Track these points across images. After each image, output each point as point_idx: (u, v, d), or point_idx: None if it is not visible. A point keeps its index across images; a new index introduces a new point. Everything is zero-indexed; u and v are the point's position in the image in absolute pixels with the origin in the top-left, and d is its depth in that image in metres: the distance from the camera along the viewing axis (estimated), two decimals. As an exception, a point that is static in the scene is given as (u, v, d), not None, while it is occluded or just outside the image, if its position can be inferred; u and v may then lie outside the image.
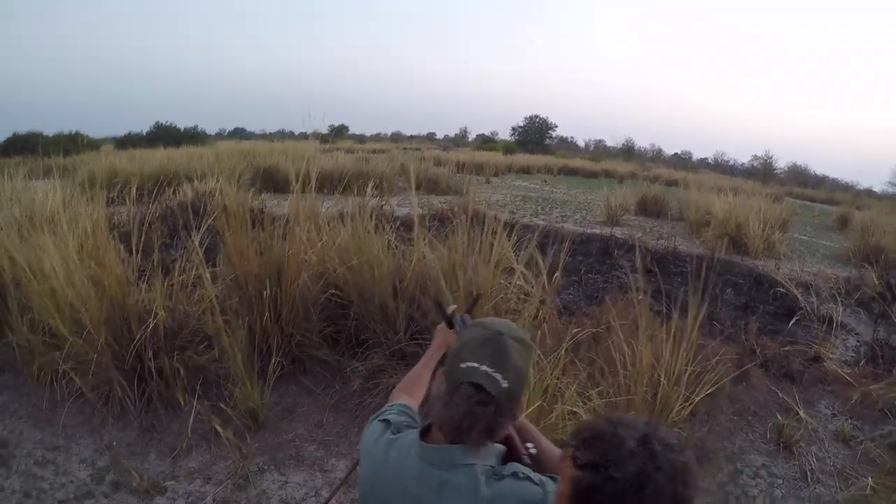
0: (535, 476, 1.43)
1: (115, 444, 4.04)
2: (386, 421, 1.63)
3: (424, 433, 1.52)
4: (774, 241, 12.22)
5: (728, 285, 8.96)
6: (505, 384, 1.40)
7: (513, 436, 1.64)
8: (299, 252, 4.99)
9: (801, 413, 4.92)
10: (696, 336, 4.00)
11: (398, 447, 1.53)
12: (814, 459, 4.42)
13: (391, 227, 5.66)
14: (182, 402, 4.31)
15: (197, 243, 4.82)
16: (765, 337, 6.52)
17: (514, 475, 1.41)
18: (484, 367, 1.41)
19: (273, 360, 4.51)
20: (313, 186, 5.55)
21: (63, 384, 4.36)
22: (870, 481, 3.91)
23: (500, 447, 1.50)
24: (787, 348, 6.14)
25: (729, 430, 4.70)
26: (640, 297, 4.34)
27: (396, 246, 5.43)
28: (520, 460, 1.55)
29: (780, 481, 4.19)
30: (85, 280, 4.33)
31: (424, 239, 5.13)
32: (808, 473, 4.25)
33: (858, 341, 7.05)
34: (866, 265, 10.66)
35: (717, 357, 4.67)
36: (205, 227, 5.12)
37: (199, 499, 3.59)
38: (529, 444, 1.68)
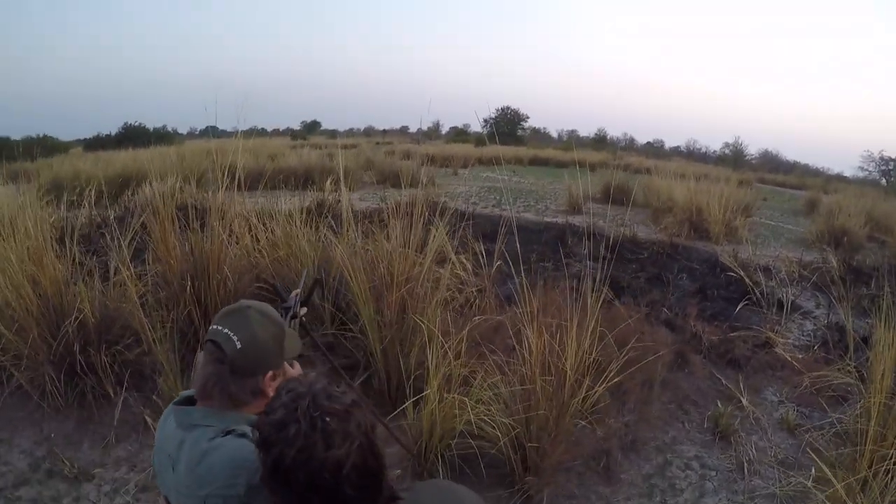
0: None
1: (53, 435, 4.18)
2: (179, 396, 1.71)
3: (187, 402, 1.65)
4: (736, 226, 12.11)
5: (683, 270, 8.88)
6: (239, 345, 1.55)
7: None
8: (221, 247, 4.99)
9: (744, 401, 4.80)
10: (598, 323, 3.83)
11: (170, 416, 1.65)
12: (753, 450, 4.28)
13: (325, 221, 5.67)
14: (112, 395, 4.39)
15: (126, 242, 4.93)
16: (714, 322, 6.41)
17: (241, 435, 1.51)
18: (226, 330, 1.56)
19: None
20: (241, 182, 5.59)
21: (5, 378, 4.47)
22: (812, 472, 3.76)
23: (252, 417, 1.56)
24: (734, 334, 6.00)
25: (663, 420, 4.58)
26: (570, 284, 4.21)
27: (328, 238, 5.39)
28: None
29: (714, 473, 4.08)
30: (23, 279, 4.47)
31: (356, 231, 5.20)
32: (746, 465, 4.12)
33: (815, 325, 6.90)
34: (829, 248, 10.62)
35: (635, 343, 4.45)
36: (137, 226, 5.29)
37: (122, 485, 3.77)
38: None
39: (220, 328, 1.57)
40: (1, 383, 4.47)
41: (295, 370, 1.81)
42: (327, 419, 1.20)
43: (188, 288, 4.80)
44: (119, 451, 4.06)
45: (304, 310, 2.24)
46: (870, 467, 3.41)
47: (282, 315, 2.06)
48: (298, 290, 2.29)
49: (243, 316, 1.61)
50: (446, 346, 3.78)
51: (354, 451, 1.20)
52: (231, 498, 1.45)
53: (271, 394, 1.59)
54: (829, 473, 3.28)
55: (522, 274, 3.95)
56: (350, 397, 1.27)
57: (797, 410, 4.87)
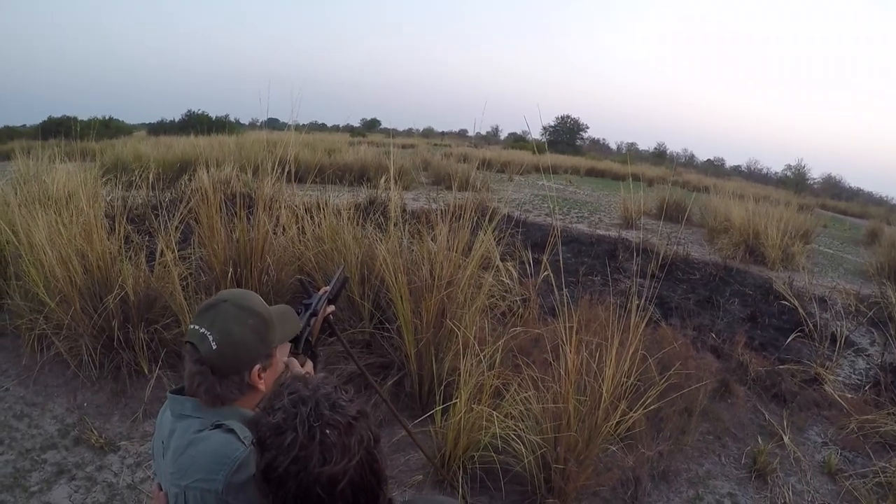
0: (249, 437, 1.42)
1: (85, 404, 4.36)
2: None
3: (183, 391, 1.59)
4: (794, 252, 11.73)
5: (735, 295, 8.62)
6: (214, 346, 1.46)
7: None
8: (265, 237, 5.07)
9: (786, 438, 4.59)
10: (641, 344, 3.67)
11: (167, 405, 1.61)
12: (790, 492, 4.07)
13: (374, 218, 5.68)
14: (147, 372, 4.55)
15: (174, 225, 5.05)
16: (763, 352, 6.19)
17: (228, 430, 1.45)
18: (202, 330, 1.48)
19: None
20: (293, 174, 5.61)
21: (45, 346, 4.69)
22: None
23: (245, 411, 1.55)
24: (783, 366, 5.76)
25: (699, 451, 4.40)
26: (614, 301, 4.09)
27: (374, 236, 5.35)
28: None
29: (745, 513, 3.88)
30: (71, 253, 4.62)
31: (403, 230, 5.17)
32: (781, 508, 3.92)
33: (868, 364, 6.61)
34: (889, 282, 10.21)
35: (679, 369, 4.30)
36: (185, 211, 5.36)
37: (145, 459, 3.84)
38: None
39: (196, 328, 1.50)
40: (41, 350, 4.65)
41: (308, 367, 1.76)
42: (327, 431, 1.12)
43: (230, 274, 4.86)
44: (147, 427, 4.16)
45: (332, 307, 2.17)
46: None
47: (300, 312, 1.99)
48: (328, 288, 2.21)
49: (219, 311, 1.51)
50: (481, 354, 3.71)
51: (353, 467, 1.13)
52: (209, 493, 1.40)
53: (262, 386, 1.57)
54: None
55: (564, 287, 3.82)
56: (355, 407, 1.18)
57: (841, 454, 4.64)
